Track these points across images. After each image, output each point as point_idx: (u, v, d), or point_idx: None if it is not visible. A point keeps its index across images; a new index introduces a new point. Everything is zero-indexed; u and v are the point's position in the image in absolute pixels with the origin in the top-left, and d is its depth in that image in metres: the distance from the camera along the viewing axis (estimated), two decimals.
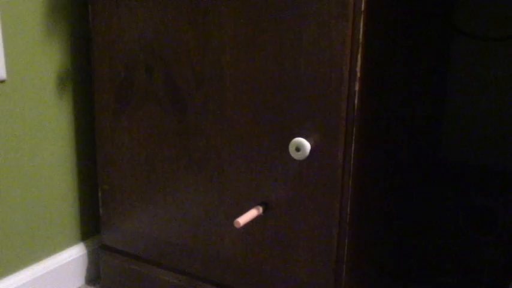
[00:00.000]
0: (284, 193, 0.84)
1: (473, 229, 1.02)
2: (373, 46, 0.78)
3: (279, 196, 0.85)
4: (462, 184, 1.06)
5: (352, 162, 0.79)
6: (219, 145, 0.88)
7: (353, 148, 0.78)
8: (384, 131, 0.89)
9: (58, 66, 0.99)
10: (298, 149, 0.80)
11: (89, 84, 1.05)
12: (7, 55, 0.90)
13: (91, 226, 1.12)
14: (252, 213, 0.83)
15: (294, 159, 0.82)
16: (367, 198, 0.87)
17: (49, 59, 0.97)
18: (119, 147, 0.99)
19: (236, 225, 0.80)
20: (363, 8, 0.73)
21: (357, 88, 0.76)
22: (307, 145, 0.79)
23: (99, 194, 1.04)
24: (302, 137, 0.80)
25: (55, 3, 0.96)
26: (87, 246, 1.10)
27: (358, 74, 0.76)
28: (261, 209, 0.85)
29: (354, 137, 0.78)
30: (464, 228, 1.02)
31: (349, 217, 0.81)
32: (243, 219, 0.81)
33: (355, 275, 0.88)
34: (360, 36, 0.74)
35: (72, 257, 1.07)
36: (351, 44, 0.75)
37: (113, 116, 0.98)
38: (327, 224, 0.82)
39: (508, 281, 1.01)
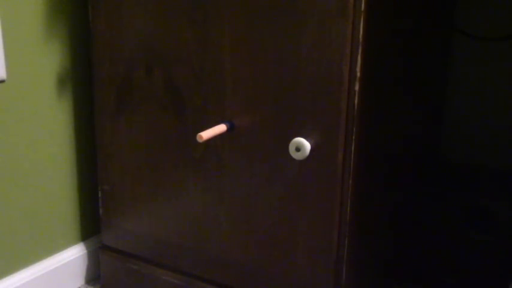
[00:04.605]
0: (284, 193, 0.84)
1: (473, 229, 1.02)
2: (373, 46, 0.78)
3: (279, 196, 0.85)
4: (462, 184, 1.06)
5: (352, 162, 0.79)
6: (219, 145, 0.88)
7: (353, 148, 0.78)
8: (384, 131, 0.89)
9: (58, 66, 0.99)
10: (298, 149, 0.80)
11: (89, 84, 1.05)
12: (7, 55, 0.90)
13: (91, 226, 1.12)
14: (218, 129, 0.83)
15: (294, 159, 0.82)
16: (367, 198, 0.87)
17: (49, 59, 0.97)
18: (118, 147, 0.99)
19: (199, 139, 0.80)
20: (363, 8, 0.73)
21: (357, 88, 0.76)
22: (307, 145, 0.79)
23: (99, 194, 1.04)
24: (302, 137, 0.80)
25: (55, 3, 0.96)
26: (87, 246, 1.10)
27: (358, 74, 0.76)
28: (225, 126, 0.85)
29: (354, 137, 0.78)
30: (465, 228, 1.02)
31: (349, 217, 0.81)
32: (207, 134, 0.81)
33: (355, 275, 0.88)
34: (360, 36, 0.74)
35: (72, 257, 1.07)
36: (351, 44, 0.75)
37: (112, 116, 0.98)
38: (327, 224, 0.82)
39: (508, 281, 1.01)
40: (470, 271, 1.03)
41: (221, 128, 0.84)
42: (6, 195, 0.94)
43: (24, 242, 0.99)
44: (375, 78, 0.81)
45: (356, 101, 0.77)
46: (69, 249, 1.08)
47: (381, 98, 0.85)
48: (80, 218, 1.09)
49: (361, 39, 0.74)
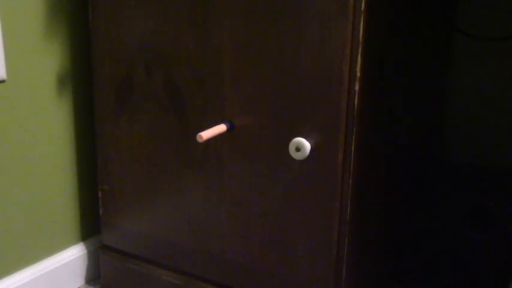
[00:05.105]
0: (284, 193, 0.84)
1: (473, 229, 1.02)
2: (373, 46, 0.78)
3: (279, 196, 0.85)
4: (462, 184, 1.06)
5: (352, 162, 0.79)
6: (219, 145, 0.88)
7: (353, 148, 0.78)
8: (384, 131, 0.89)
9: (58, 66, 0.99)
10: (298, 149, 0.80)
11: (89, 84, 1.05)
12: (7, 55, 0.90)
13: (91, 226, 1.12)
14: (218, 129, 0.83)
15: (294, 159, 0.82)
16: (367, 198, 0.87)
17: (49, 59, 0.97)
18: (118, 147, 0.99)
19: (199, 139, 0.80)
20: (363, 8, 0.73)
21: (357, 88, 0.76)
22: (307, 145, 0.79)
23: (99, 194, 1.04)
24: (302, 137, 0.80)
25: (55, 3, 0.96)
26: (87, 246, 1.10)
27: (358, 74, 0.76)
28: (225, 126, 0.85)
29: (354, 137, 0.78)
30: (465, 228, 1.02)
31: (349, 217, 0.81)
32: (207, 134, 0.81)
33: (355, 275, 0.88)
34: (360, 36, 0.74)
35: (72, 257, 1.07)
36: (351, 44, 0.75)
37: (112, 116, 0.98)
38: (327, 224, 0.82)
39: (508, 281, 1.01)
40: (470, 271, 1.03)
41: (221, 128, 0.84)
42: (6, 195, 0.94)
43: (24, 242, 0.99)
44: (374, 78, 0.81)
45: (356, 101, 0.77)
46: (69, 249, 1.08)
47: (381, 98, 0.85)
48: (80, 218, 1.09)
49: (361, 39, 0.74)
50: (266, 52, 0.80)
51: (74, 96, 1.03)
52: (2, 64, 0.89)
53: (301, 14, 0.77)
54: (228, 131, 0.86)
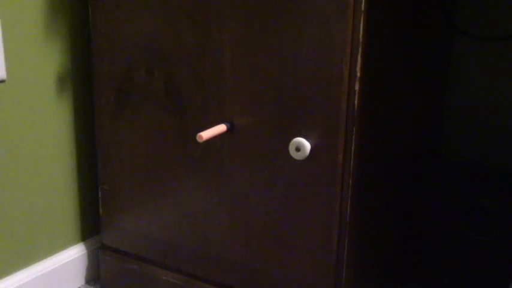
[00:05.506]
0: (284, 193, 0.84)
1: (474, 229, 1.02)
2: (373, 46, 0.78)
3: (279, 196, 0.85)
4: (462, 184, 1.06)
5: (352, 162, 0.79)
6: (218, 145, 0.88)
7: (353, 148, 0.78)
8: (384, 131, 0.89)
9: (58, 66, 0.99)
10: (298, 149, 0.80)
11: (89, 84, 1.05)
12: (7, 55, 0.90)
13: (91, 226, 1.12)
14: (218, 129, 0.83)
15: (294, 159, 0.82)
16: (367, 198, 0.87)
17: (49, 59, 0.97)
18: (118, 147, 0.99)
19: (199, 139, 0.80)
20: (363, 8, 0.73)
21: (357, 88, 0.76)
22: (307, 145, 0.79)
23: (99, 194, 1.04)
24: (302, 137, 0.80)
25: (55, 3, 0.96)
26: (87, 246, 1.10)
27: (358, 74, 0.76)
28: (225, 126, 0.85)
29: (354, 137, 0.78)
30: (465, 229, 1.02)
31: (349, 217, 0.81)
32: (207, 134, 0.81)
33: (355, 275, 0.88)
34: (360, 36, 0.74)
35: (72, 257, 1.07)
36: (351, 44, 0.75)
37: (112, 116, 0.98)
38: (327, 224, 0.82)
39: (508, 281, 1.01)
40: (470, 271, 1.03)
41: (221, 128, 0.84)
42: (6, 195, 0.94)
43: (24, 242, 0.99)
44: (375, 78, 0.81)
45: (356, 101, 0.77)
46: (69, 249, 1.08)
47: (381, 98, 0.85)
48: (80, 218, 1.09)
49: (361, 39, 0.74)
50: (266, 52, 0.80)
51: (74, 96, 1.03)
52: (2, 64, 0.89)
53: (301, 14, 0.77)
54: (228, 131, 0.86)
